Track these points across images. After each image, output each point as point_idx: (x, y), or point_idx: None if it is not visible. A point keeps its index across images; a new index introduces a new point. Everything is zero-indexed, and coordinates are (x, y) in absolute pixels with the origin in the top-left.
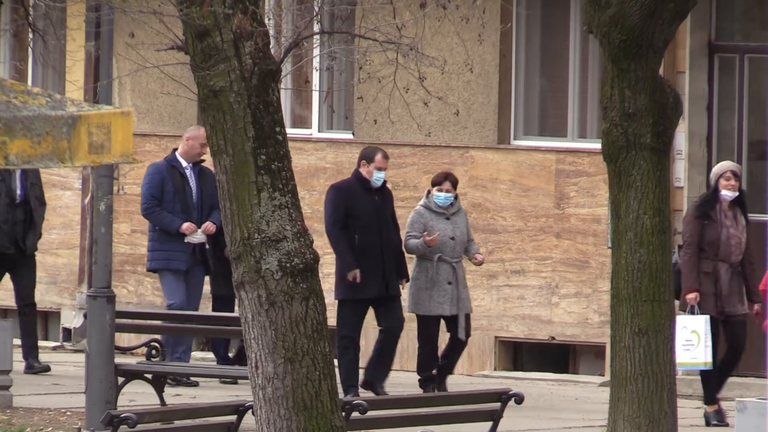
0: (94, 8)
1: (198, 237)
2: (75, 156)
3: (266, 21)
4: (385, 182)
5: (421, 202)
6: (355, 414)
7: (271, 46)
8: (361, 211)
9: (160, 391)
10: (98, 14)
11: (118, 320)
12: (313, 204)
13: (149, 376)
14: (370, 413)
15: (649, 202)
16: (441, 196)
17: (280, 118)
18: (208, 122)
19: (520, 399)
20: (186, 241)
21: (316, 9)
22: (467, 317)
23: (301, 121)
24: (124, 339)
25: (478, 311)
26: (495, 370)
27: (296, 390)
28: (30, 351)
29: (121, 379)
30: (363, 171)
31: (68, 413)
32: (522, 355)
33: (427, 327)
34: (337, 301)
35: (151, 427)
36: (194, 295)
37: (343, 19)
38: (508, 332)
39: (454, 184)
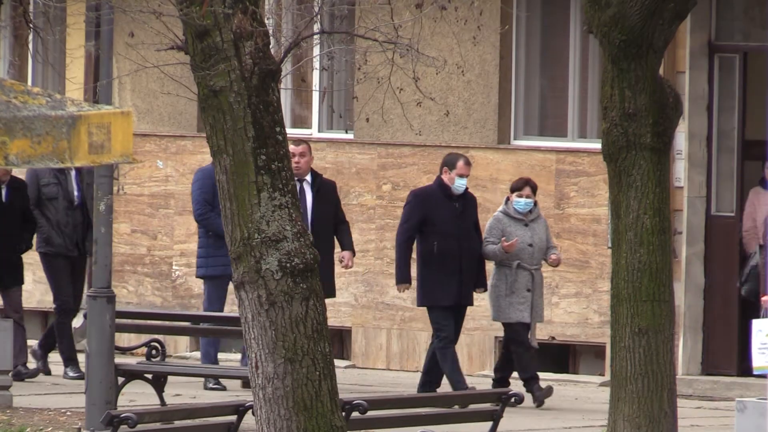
0: (94, 8)
1: None
2: (75, 156)
3: (266, 21)
4: (467, 189)
5: (500, 208)
6: (355, 414)
7: (271, 46)
8: (441, 218)
9: (160, 391)
10: (98, 14)
11: (118, 320)
12: None
13: (149, 376)
14: (370, 413)
15: (649, 202)
16: (521, 202)
17: (280, 118)
18: (208, 122)
19: (520, 399)
20: None
21: (316, 9)
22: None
23: (301, 121)
24: (124, 339)
25: (478, 311)
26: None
27: (296, 390)
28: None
29: (121, 379)
30: (445, 178)
31: (68, 413)
32: None
33: (516, 332)
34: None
35: (151, 427)
36: None
37: (342, 19)
38: None
39: (534, 189)
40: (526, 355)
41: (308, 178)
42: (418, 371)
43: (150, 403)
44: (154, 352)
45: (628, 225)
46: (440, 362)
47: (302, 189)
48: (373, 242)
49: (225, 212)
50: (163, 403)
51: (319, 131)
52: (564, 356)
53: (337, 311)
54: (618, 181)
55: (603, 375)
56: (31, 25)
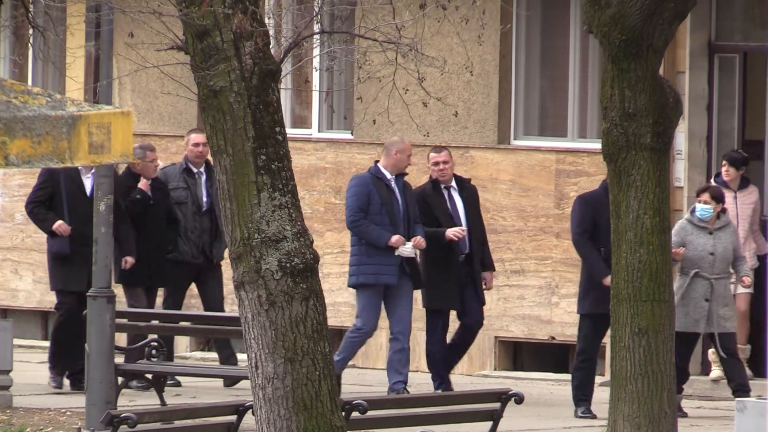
0: (94, 8)
1: (408, 250)
2: (75, 156)
3: (266, 21)
4: None
5: (686, 215)
6: (355, 414)
7: (271, 46)
8: (607, 223)
9: (160, 391)
10: (98, 14)
11: (118, 320)
12: (313, 204)
13: (149, 376)
14: (370, 413)
15: (649, 202)
16: (698, 208)
17: (280, 118)
18: (208, 122)
19: (520, 399)
20: (397, 254)
21: (316, 9)
22: (730, 337)
23: (301, 121)
24: (124, 339)
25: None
26: (495, 370)
27: (296, 390)
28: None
29: (121, 379)
30: None
31: (68, 413)
32: (522, 355)
33: (686, 344)
34: (579, 315)
35: (151, 427)
36: (403, 309)
37: (343, 19)
38: (508, 332)
39: (715, 197)
40: (732, 364)
41: (453, 184)
42: (417, 371)
43: (150, 403)
44: (154, 352)
45: (628, 225)
46: (573, 370)
47: (450, 196)
48: None
49: (225, 212)
50: (163, 403)
51: (319, 131)
52: (564, 356)
53: (337, 311)
54: (618, 181)
55: (603, 375)
56: (32, 24)
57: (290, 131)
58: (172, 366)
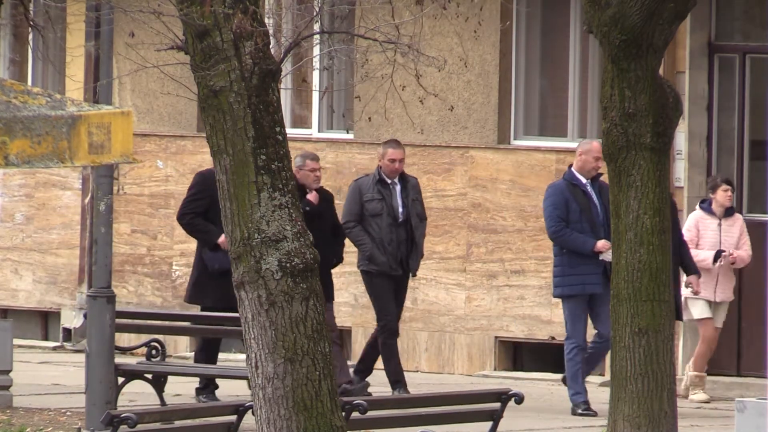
0: (94, 8)
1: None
2: (75, 156)
3: (266, 21)
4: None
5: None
6: (355, 414)
7: (271, 46)
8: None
9: (160, 391)
10: (98, 14)
11: (118, 320)
12: None
13: (149, 376)
14: (370, 413)
15: (649, 202)
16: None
17: (280, 118)
18: (208, 122)
19: (520, 399)
20: (601, 259)
21: (316, 9)
22: None
23: (301, 121)
24: (124, 339)
25: (477, 311)
26: (495, 370)
27: (296, 390)
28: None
29: (121, 379)
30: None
31: (68, 413)
32: (522, 355)
33: None
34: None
35: (151, 427)
36: (605, 316)
37: (342, 19)
38: (508, 332)
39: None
40: None
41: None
42: (417, 371)
43: (150, 403)
44: (154, 352)
45: (628, 225)
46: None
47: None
48: None
49: (225, 212)
50: (163, 403)
51: (319, 131)
52: (564, 356)
53: (337, 311)
54: (618, 181)
55: (603, 375)
56: (31, 23)
57: (290, 131)
58: (173, 366)
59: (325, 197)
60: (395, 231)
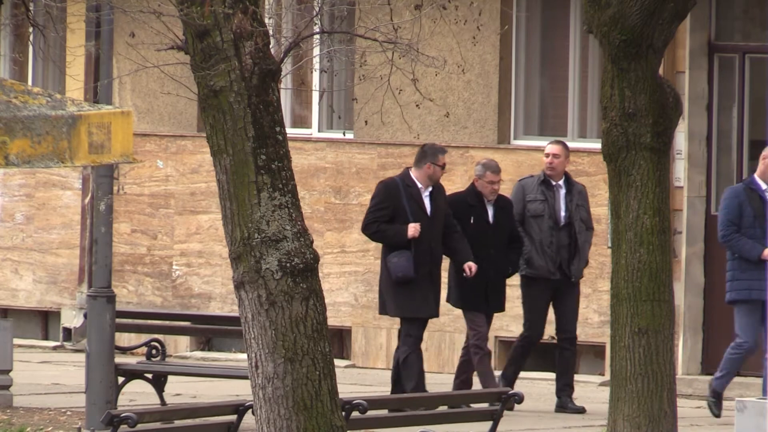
0: (94, 8)
1: None
2: (75, 156)
3: (266, 21)
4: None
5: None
6: (355, 414)
7: (271, 46)
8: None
9: (160, 391)
10: (98, 14)
11: (118, 320)
12: (313, 204)
13: (149, 375)
14: (370, 413)
15: (649, 202)
16: None
17: (280, 118)
18: (208, 122)
19: (520, 399)
20: None
21: (316, 9)
22: None
23: (301, 121)
24: (124, 339)
25: None
26: (495, 370)
27: (296, 390)
28: (563, 389)
29: (121, 379)
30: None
31: (68, 413)
32: None
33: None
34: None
35: (151, 427)
36: None
37: (342, 20)
38: (508, 332)
39: None
40: None
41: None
42: None
43: (150, 403)
44: (154, 352)
45: (628, 225)
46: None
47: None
48: (373, 242)
49: (225, 212)
50: (163, 403)
51: (319, 131)
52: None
53: (337, 311)
54: (618, 181)
55: (603, 375)
56: (32, 23)
57: (290, 131)
58: (172, 366)
59: (502, 206)
60: (556, 234)
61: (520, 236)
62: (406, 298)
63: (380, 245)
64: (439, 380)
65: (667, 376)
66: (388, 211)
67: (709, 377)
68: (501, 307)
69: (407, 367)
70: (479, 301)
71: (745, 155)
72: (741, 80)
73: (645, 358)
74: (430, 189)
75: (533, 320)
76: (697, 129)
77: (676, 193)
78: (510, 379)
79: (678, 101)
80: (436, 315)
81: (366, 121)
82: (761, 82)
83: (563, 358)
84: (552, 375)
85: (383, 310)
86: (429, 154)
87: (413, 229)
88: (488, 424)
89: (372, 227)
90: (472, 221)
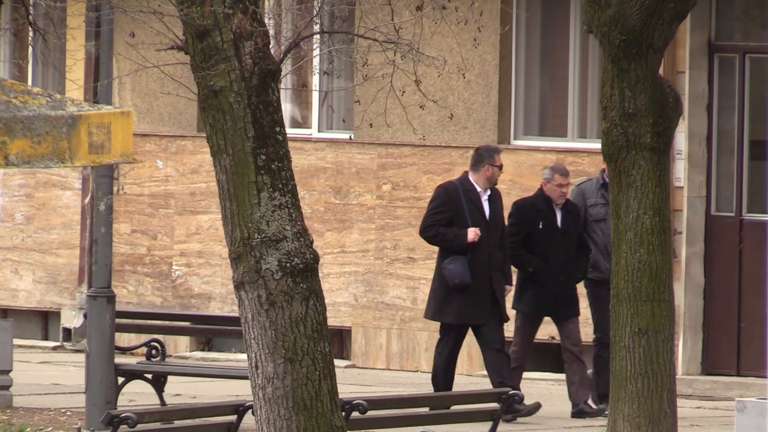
0: (94, 8)
1: None
2: (75, 156)
3: (266, 21)
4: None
5: None
6: (355, 414)
7: (271, 46)
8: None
9: (160, 391)
10: (98, 14)
11: (118, 320)
12: (313, 204)
13: (149, 376)
14: (370, 413)
15: (649, 202)
16: None
17: (280, 118)
18: (208, 122)
19: (520, 399)
20: None
21: (316, 9)
22: None
23: (301, 121)
24: (124, 339)
25: None
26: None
27: (296, 390)
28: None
29: (121, 379)
30: None
31: (68, 413)
32: None
33: None
34: None
35: (151, 427)
36: None
37: (343, 20)
38: (508, 332)
39: None
40: None
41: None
42: (417, 371)
43: (150, 403)
44: (154, 352)
45: (628, 225)
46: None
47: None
48: (373, 242)
49: (225, 212)
50: (163, 403)
51: (319, 131)
52: None
53: (337, 311)
54: (618, 181)
55: None
56: (32, 26)
57: (290, 131)
58: (172, 366)
59: (570, 210)
60: None
61: (587, 241)
62: (465, 304)
63: (380, 245)
64: (468, 381)
65: (667, 376)
66: (447, 215)
67: (709, 377)
68: (574, 313)
69: (446, 372)
70: (550, 307)
71: (745, 155)
72: (741, 80)
73: (645, 359)
74: (489, 193)
75: (602, 321)
76: (697, 129)
77: (676, 193)
78: (603, 388)
79: (678, 101)
80: (489, 321)
81: (371, 124)
82: (761, 82)
83: (603, 361)
84: (552, 375)
85: (435, 315)
86: (485, 156)
87: (473, 233)
88: (488, 425)
89: (431, 230)
90: (540, 226)
